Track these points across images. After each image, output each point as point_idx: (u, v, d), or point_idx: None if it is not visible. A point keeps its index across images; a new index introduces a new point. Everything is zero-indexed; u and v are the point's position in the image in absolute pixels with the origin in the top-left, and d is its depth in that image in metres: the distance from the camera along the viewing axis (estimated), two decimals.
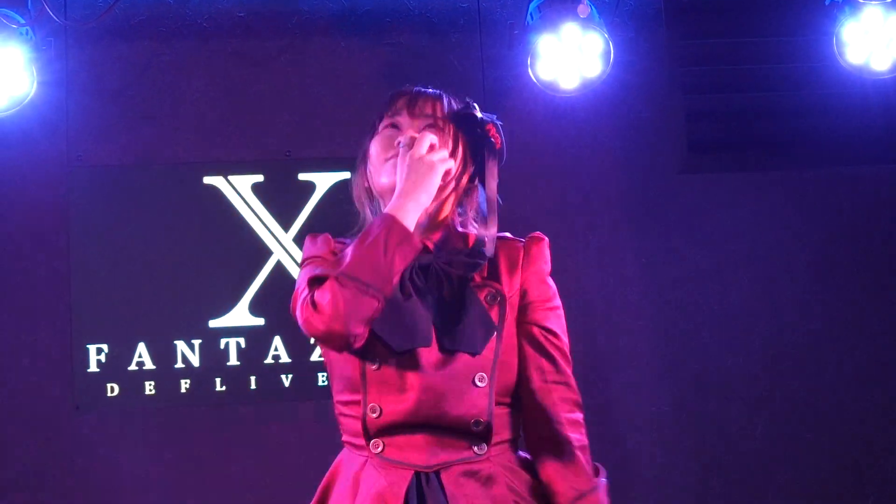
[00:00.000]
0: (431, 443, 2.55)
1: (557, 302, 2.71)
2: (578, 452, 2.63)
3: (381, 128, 2.71)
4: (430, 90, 2.73)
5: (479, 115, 2.68)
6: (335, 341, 2.51)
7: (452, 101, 2.73)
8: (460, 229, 2.71)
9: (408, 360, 2.55)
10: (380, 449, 2.57)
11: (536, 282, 2.69)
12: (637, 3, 5.24)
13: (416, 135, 2.60)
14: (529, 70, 4.84)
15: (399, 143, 2.63)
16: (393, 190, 2.59)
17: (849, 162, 5.31)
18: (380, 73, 5.14)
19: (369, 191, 2.75)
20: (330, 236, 2.75)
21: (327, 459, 4.92)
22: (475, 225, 2.73)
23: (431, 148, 2.58)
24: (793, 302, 5.26)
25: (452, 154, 2.65)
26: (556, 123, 5.18)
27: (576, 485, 2.61)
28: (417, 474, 2.55)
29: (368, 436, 2.58)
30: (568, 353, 2.69)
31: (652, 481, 5.10)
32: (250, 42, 5.13)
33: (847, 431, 5.22)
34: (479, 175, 2.71)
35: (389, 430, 2.56)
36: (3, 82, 4.66)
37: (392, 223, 2.49)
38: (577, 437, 2.65)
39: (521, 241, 2.73)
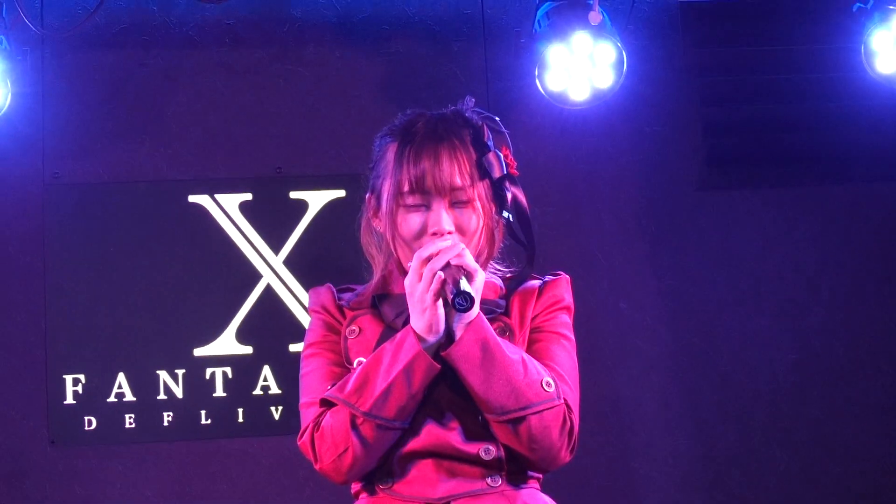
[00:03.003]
0: (442, 475, 2.59)
1: (565, 332, 2.75)
2: None
3: (407, 201, 2.66)
4: (450, 144, 2.67)
5: (504, 169, 2.70)
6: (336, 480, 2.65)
7: (468, 139, 2.70)
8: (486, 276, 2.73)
9: None
10: (388, 485, 2.62)
11: (544, 312, 2.74)
12: (651, 9, 5.25)
13: (434, 249, 2.56)
14: (537, 81, 4.83)
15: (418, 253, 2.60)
16: None
17: (877, 177, 5.33)
18: (377, 84, 5.13)
19: (380, 238, 2.78)
20: (332, 290, 2.81)
21: (319, 496, 4.89)
22: (495, 265, 2.81)
23: (426, 260, 2.55)
24: (818, 326, 5.26)
25: (479, 202, 2.68)
26: (565, 138, 5.18)
27: None
28: None
29: (376, 472, 2.63)
30: (570, 385, 2.67)
31: None
32: (239, 51, 5.12)
33: (877, 466, 5.20)
34: (503, 207, 2.74)
35: (398, 464, 2.61)
36: None
37: (418, 357, 2.53)
38: None
39: (541, 279, 2.80)
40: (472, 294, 2.46)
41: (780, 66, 5.28)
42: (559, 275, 2.81)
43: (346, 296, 2.79)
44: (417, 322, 2.53)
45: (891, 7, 4.77)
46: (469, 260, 2.53)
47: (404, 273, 2.68)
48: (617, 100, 4.94)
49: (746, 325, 5.23)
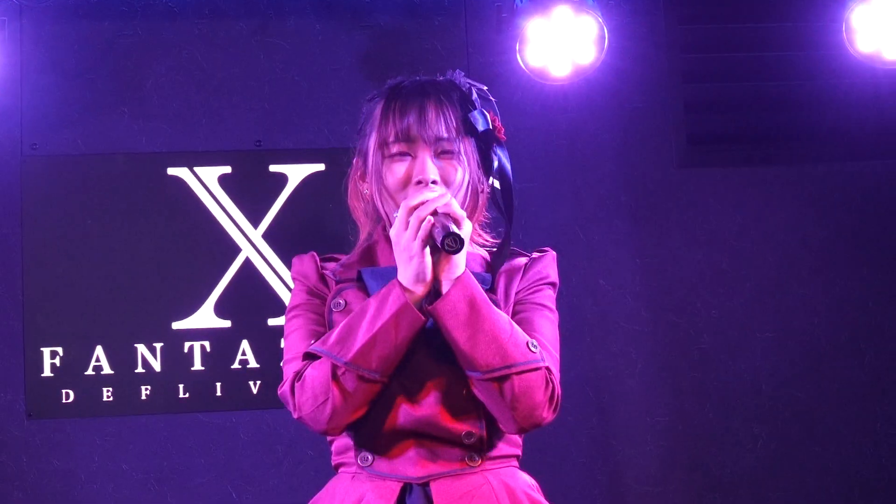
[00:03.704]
0: (422, 454, 2.61)
1: (549, 304, 2.77)
2: None
3: (392, 150, 2.70)
4: (435, 97, 2.71)
5: (490, 125, 2.75)
6: (315, 429, 2.63)
7: (455, 98, 2.75)
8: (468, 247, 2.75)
9: (398, 371, 2.61)
10: (368, 462, 2.63)
11: (528, 287, 2.76)
12: None
13: (422, 198, 2.56)
14: (518, 56, 4.82)
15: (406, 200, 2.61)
16: None
17: (858, 156, 5.32)
18: (357, 57, 5.12)
19: (368, 203, 2.81)
20: (315, 260, 2.82)
21: (297, 472, 4.92)
22: (482, 234, 2.84)
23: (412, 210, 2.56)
24: (798, 306, 5.26)
25: (465, 155, 2.72)
26: (545, 113, 5.16)
27: None
28: (405, 486, 2.60)
29: (357, 448, 2.64)
30: (551, 354, 2.68)
31: (646, 497, 5.09)
32: (219, 23, 5.10)
33: (856, 447, 5.22)
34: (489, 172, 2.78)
35: (378, 441, 2.62)
36: None
37: (404, 308, 2.53)
38: None
39: (528, 256, 2.82)
40: (462, 235, 2.46)
41: (762, 43, 5.26)
42: (546, 251, 2.84)
43: (331, 265, 2.79)
44: (404, 272, 2.54)
45: None
46: (456, 207, 2.54)
47: (389, 242, 2.69)
48: (598, 76, 4.92)
49: (726, 302, 5.23)
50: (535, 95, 5.09)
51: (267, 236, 5.01)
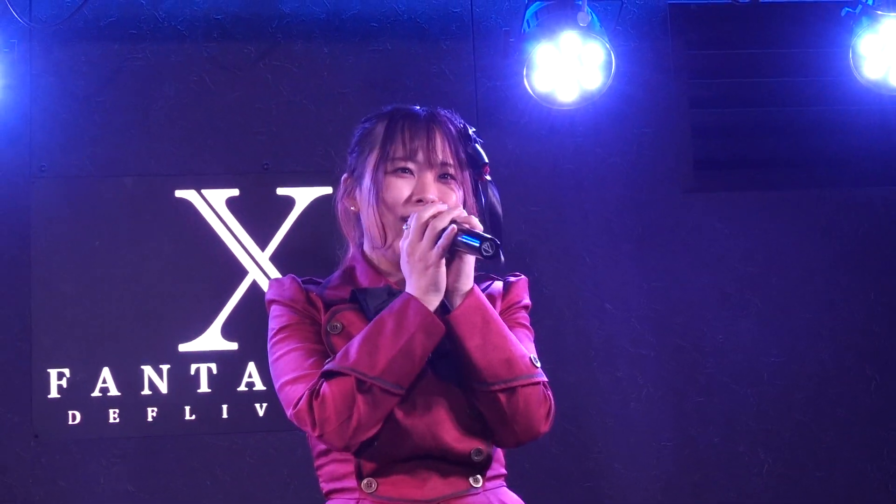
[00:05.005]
0: (429, 477, 2.61)
1: (528, 325, 2.83)
2: None
3: (396, 166, 2.72)
4: (442, 125, 2.75)
5: (485, 158, 2.77)
6: (337, 445, 2.58)
7: (454, 130, 2.77)
8: None
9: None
10: (373, 488, 2.60)
11: (509, 310, 2.80)
12: (641, 11, 5.25)
13: (435, 209, 2.58)
14: (525, 81, 4.84)
15: (408, 223, 2.62)
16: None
17: (864, 182, 5.33)
18: (365, 81, 5.14)
19: (358, 216, 2.81)
20: (298, 282, 2.78)
21: (303, 494, 4.92)
22: None
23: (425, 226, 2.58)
24: (804, 331, 5.27)
25: (459, 183, 2.75)
26: (552, 138, 5.18)
27: None
28: None
29: (360, 475, 2.61)
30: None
31: None
32: (228, 46, 5.12)
33: (862, 473, 5.22)
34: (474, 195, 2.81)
35: (383, 465, 2.61)
36: None
37: (429, 319, 2.53)
38: None
39: (504, 280, 2.86)
40: (496, 239, 2.49)
41: (769, 69, 5.28)
42: (520, 276, 2.88)
43: (312, 287, 2.77)
44: (419, 282, 2.54)
45: (879, 12, 4.78)
46: (474, 219, 2.57)
47: (369, 263, 2.75)
48: (605, 101, 4.94)
49: (732, 327, 5.23)
50: (543, 120, 5.11)
51: (274, 259, 5.02)
